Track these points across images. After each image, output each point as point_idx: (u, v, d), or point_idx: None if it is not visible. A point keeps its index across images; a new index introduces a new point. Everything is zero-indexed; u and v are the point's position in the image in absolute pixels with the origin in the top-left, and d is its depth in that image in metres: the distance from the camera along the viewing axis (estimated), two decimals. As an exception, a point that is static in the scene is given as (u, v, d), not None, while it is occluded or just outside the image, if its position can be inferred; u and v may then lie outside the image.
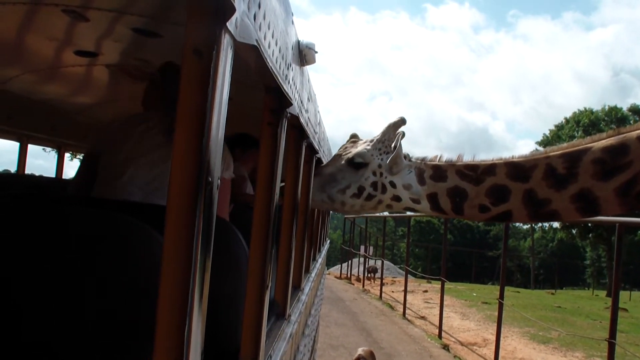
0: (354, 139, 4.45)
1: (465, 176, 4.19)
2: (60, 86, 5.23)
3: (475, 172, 4.16)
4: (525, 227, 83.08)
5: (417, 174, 4.25)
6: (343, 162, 4.13)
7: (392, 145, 4.21)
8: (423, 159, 4.34)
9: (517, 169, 4.05)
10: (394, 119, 4.34)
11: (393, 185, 4.20)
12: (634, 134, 3.75)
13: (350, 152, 4.16)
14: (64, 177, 7.74)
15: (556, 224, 63.25)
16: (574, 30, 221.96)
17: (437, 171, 4.27)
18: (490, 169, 4.14)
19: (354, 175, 4.09)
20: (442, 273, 14.64)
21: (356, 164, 4.10)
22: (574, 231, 52.77)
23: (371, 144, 4.21)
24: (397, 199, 4.24)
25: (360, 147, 4.18)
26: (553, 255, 72.90)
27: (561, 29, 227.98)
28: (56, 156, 7.31)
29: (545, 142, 55.37)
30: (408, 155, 4.32)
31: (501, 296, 11.07)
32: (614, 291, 8.49)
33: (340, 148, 4.39)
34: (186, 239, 1.27)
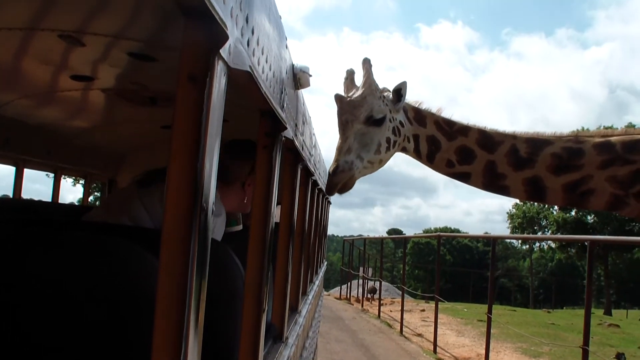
0: (350, 76, 4.47)
1: (441, 128, 4.41)
2: (57, 110, 5.23)
3: (450, 128, 4.41)
4: (524, 247, 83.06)
5: (403, 110, 4.40)
6: (360, 125, 4.06)
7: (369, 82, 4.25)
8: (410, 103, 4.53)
9: (487, 139, 4.35)
10: (365, 61, 4.35)
11: (402, 124, 4.30)
12: (591, 141, 4.17)
13: (363, 111, 4.09)
14: (60, 201, 7.73)
15: (553, 244, 63.17)
16: (569, 47, 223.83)
17: (418, 114, 4.46)
18: (464, 130, 4.40)
19: (379, 131, 4.10)
20: (436, 291, 14.95)
21: (379, 120, 4.10)
22: (571, 251, 52.82)
23: (370, 92, 4.17)
24: (404, 138, 4.35)
25: (370, 101, 4.13)
26: (552, 274, 72.85)
27: (555, 47, 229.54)
28: (52, 180, 7.30)
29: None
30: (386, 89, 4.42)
31: (489, 311, 11.53)
32: (586, 305, 8.88)
33: (346, 95, 4.29)
34: (181, 262, 1.28)
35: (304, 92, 3.28)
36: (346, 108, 4.13)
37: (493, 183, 4.34)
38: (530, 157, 4.24)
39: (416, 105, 4.50)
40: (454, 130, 4.39)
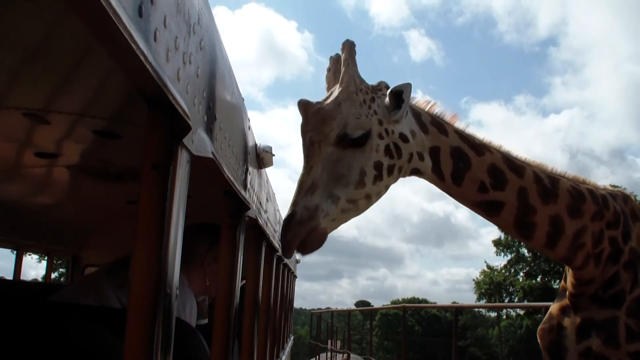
0: (335, 66, 3.17)
1: (465, 139, 3.30)
2: (20, 187, 5.21)
3: (472, 140, 3.35)
4: (492, 315, 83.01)
5: (414, 115, 3.20)
6: (331, 147, 2.80)
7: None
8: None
9: (509, 159, 3.41)
10: (346, 46, 3.03)
11: (405, 138, 3.05)
12: (584, 186, 3.61)
13: (335, 126, 2.81)
14: (22, 278, 7.60)
15: (521, 311, 63.32)
16: (528, 114, 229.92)
17: (435, 119, 3.29)
18: (486, 145, 3.38)
19: (361, 154, 2.84)
20: None
21: (358, 140, 2.83)
22: (538, 317, 52.98)
23: (347, 96, 2.90)
24: (411, 157, 3.10)
25: (346, 111, 2.85)
26: (521, 342, 72.71)
27: (515, 114, 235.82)
28: (14, 257, 7.19)
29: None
30: (386, 84, 3.19)
31: None
32: None
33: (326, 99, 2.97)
34: (146, 343, 1.29)
35: (267, 169, 3.34)
36: (312, 122, 2.86)
37: (524, 219, 3.36)
38: (553, 189, 3.42)
39: (428, 107, 3.34)
40: (477, 143, 3.33)
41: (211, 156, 1.59)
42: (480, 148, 3.29)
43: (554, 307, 3.80)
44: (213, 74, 1.61)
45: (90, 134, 3.51)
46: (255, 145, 2.74)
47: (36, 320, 2.15)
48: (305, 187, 2.69)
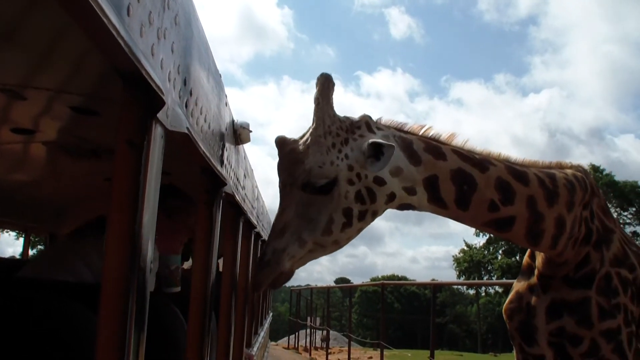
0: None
1: (465, 158, 3.11)
2: (-4, 164, 5.16)
3: (473, 156, 3.16)
4: (472, 292, 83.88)
5: (403, 147, 2.96)
6: (301, 191, 2.67)
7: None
8: (399, 127, 3.09)
9: (511, 167, 3.26)
10: (319, 81, 2.77)
11: (380, 182, 2.84)
12: (569, 172, 3.55)
13: (302, 172, 2.67)
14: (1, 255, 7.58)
15: (500, 289, 63.98)
16: (508, 93, 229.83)
17: (430, 144, 3.07)
18: (487, 158, 3.21)
19: (329, 202, 2.69)
20: (381, 337, 15.20)
21: (322, 188, 2.68)
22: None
23: (316, 140, 2.70)
24: (391, 197, 2.90)
25: (312, 157, 2.68)
26: (500, 319, 73.74)
27: (494, 93, 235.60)
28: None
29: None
30: (369, 118, 2.94)
31: (432, 355, 11.69)
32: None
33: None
34: (120, 318, 1.30)
35: (245, 145, 3.34)
36: (285, 163, 2.75)
37: (534, 229, 3.26)
38: (554, 188, 3.31)
39: (422, 132, 3.12)
40: (479, 160, 3.15)
41: (186, 131, 1.59)
42: (483, 163, 3.14)
43: (520, 285, 3.79)
44: (189, 49, 1.61)
45: (67, 110, 3.49)
46: (232, 121, 2.74)
47: (11, 296, 2.15)
48: (277, 229, 2.63)
